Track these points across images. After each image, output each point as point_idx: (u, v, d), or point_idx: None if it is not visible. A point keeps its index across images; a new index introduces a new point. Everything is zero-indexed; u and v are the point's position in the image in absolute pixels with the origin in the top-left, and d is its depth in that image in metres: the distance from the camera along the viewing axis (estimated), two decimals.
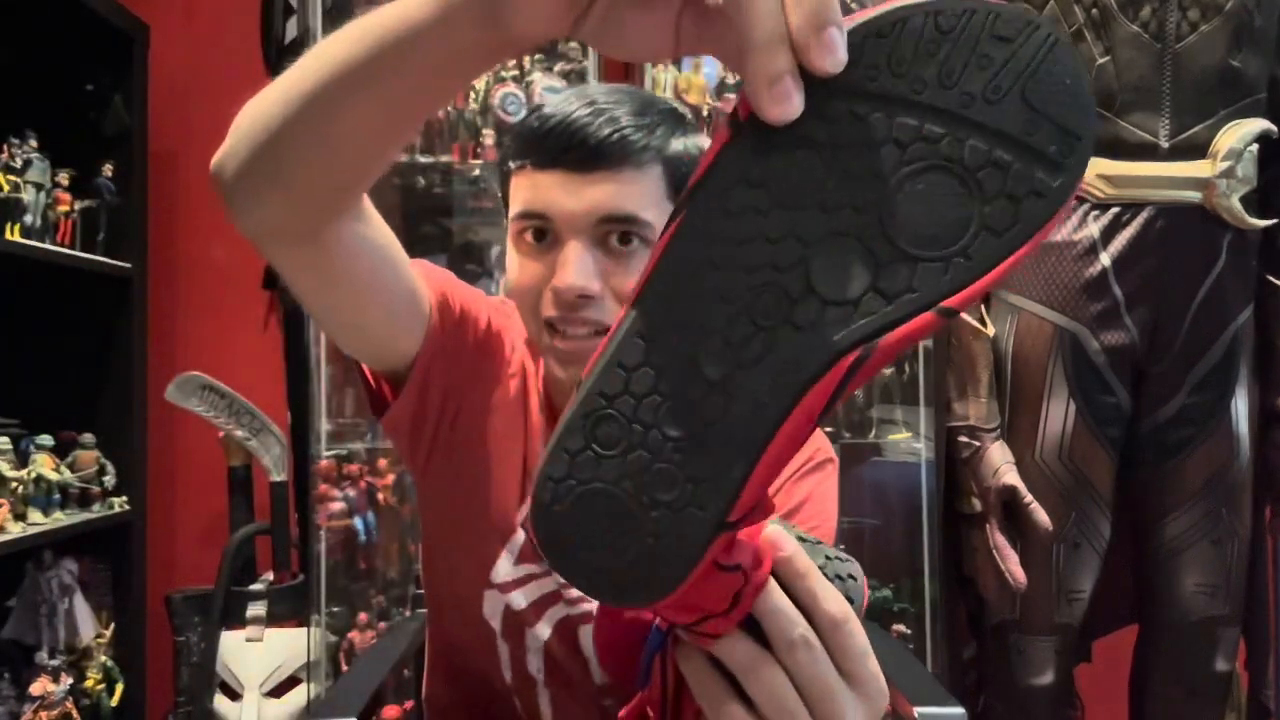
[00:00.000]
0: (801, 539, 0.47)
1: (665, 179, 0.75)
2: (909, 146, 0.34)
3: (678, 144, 0.76)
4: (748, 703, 0.44)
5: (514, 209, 0.78)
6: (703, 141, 0.77)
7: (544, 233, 0.76)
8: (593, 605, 0.86)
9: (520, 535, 0.87)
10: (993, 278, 0.35)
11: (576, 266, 0.74)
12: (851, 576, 0.48)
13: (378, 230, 0.69)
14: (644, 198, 0.74)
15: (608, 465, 0.37)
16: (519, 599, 0.87)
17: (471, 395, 0.86)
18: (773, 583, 0.43)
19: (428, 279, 0.80)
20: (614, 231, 0.75)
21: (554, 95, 0.83)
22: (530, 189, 0.76)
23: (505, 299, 0.96)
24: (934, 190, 0.35)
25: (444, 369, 0.83)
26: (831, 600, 0.44)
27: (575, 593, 0.86)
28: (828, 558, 0.47)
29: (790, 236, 0.35)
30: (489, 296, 0.91)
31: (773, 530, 0.44)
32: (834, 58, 0.35)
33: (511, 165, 0.78)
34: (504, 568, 0.87)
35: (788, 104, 0.35)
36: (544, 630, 0.87)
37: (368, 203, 0.67)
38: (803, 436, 0.37)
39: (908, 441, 1.82)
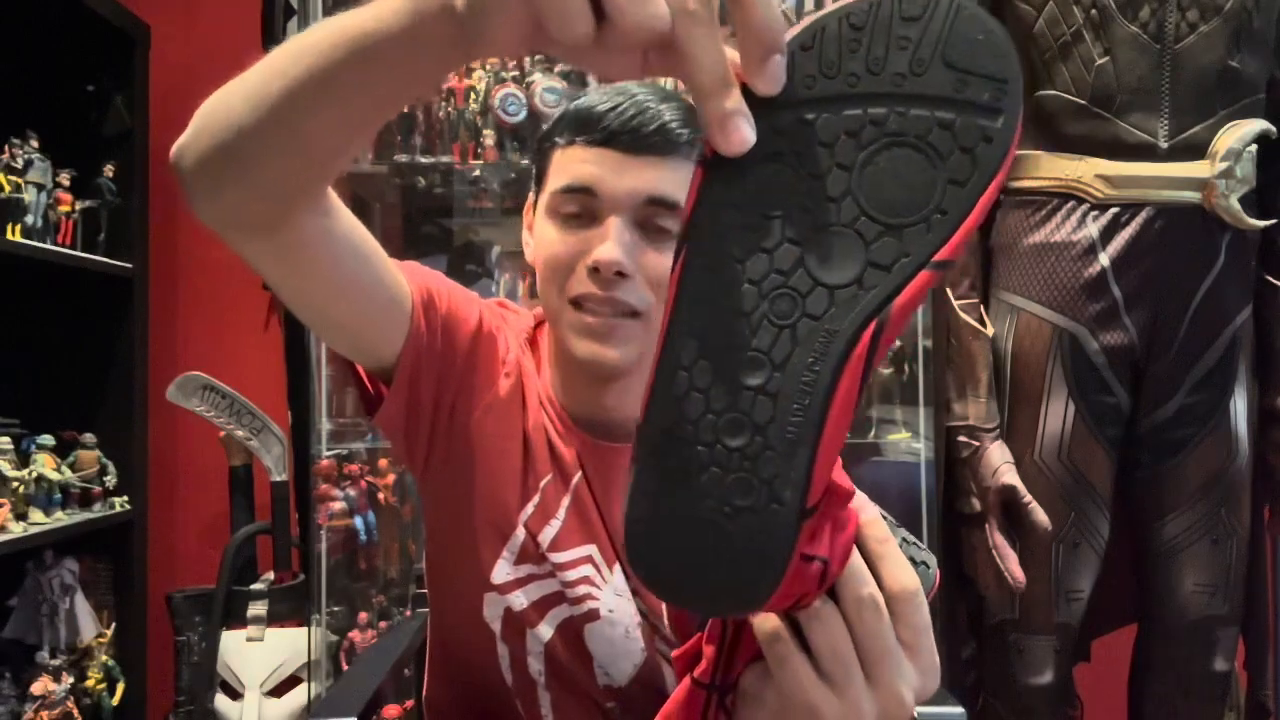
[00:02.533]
0: (885, 517, 0.50)
1: None
2: (860, 133, 0.38)
3: None
4: (806, 650, 0.46)
5: (556, 182, 0.80)
6: None
7: (584, 209, 0.79)
8: (597, 604, 0.86)
9: (519, 535, 0.87)
10: (970, 223, 0.39)
11: (618, 241, 0.76)
12: (925, 564, 0.50)
13: (344, 225, 0.70)
14: (684, 186, 0.76)
15: (685, 492, 0.40)
16: (519, 599, 0.87)
17: (465, 395, 0.86)
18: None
19: (411, 278, 0.81)
20: (654, 214, 0.77)
21: (604, 87, 0.86)
22: (579, 164, 0.78)
23: (502, 300, 0.97)
24: (895, 164, 0.38)
25: (433, 368, 0.83)
26: (904, 571, 0.47)
27: (578, 592, 0.86)
28: (905, 540, 0.50)
29: (784, 242, 0.39)
30: (483, 298, 0.91)
31: (859, 498, 0.48)
32: (776, 82, 0.39)
33: (559, 141, 0.81)
34: (503, 569, 0.87)
35: (741, 138, 0.38)
36: (546, 631, 0.87)
37: (334, 199, 0.68)
38: (851, 412, 0.40)
39: (907, 441, 1.82)
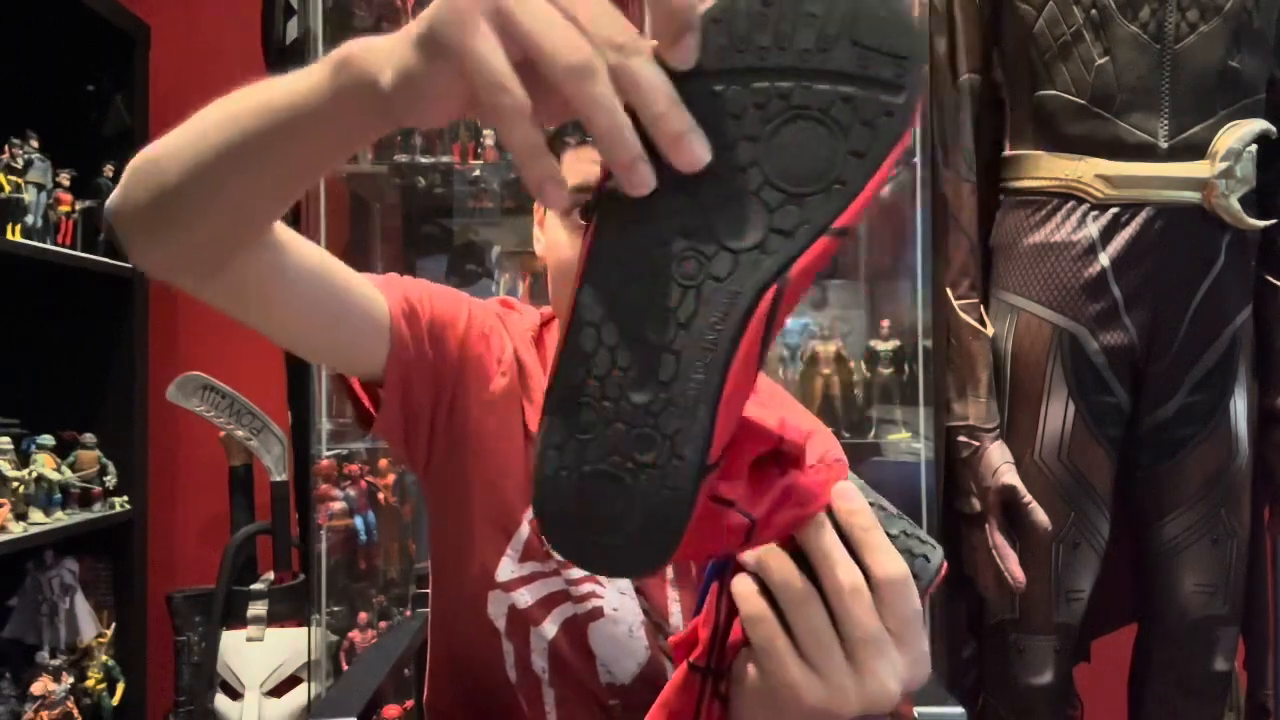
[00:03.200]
0: (883, 508, 0.51)
1: None
2: (767, 105, 0.40)
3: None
4: (790, 635, 0.48)
5: (567, 180, 0.79)
6: None
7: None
8: (601, 602, 0.87)
9: (523, 532, 0.87)
10: (868, 194, 0.41)
11: None
12: (925, 557, 0.50)
13: (297, 257, 0.69)
14: None
15: (592, 447, 0.41)
16: (523, 597, 0.87)
17: (461, 395, 0.87)
18: (829, 529, 0.48)
19: (389, 290, 0.81)
20: None
21: None
22: (589, 165, 0.79)
23: (507, 298, 0.97)
24: (800, 136, 0.40)
25: (424, 375, 0.83)
26: (890, 559, 0.47)
27: (583, 590, 0.87)
28: (905, 533, 0.50)
29: (693, 207, 0.40)
30: (483, 298, 0.91)
31: (844, 485, 0.49)
32: (689, 57, 0.40)
33: (569, 141, 0.81)
34: (508, 566, 0.88)
35: (641, 181, 0.40)
36: (550, 629, 0.87)
37: (283, 234, 0.68)
38: (754, 372, 0.42)
39: (907, 441, 1.82)
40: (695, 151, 0.40)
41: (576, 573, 0.87)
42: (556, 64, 0.39)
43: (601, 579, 0.87)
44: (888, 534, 0.49)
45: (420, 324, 0.83)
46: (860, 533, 0.48)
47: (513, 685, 0.89)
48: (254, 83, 0.57)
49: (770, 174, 0.40)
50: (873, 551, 0.47)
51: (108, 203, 0.63)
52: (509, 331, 0.91)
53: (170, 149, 0.58)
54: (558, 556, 0.84)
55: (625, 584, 0.88)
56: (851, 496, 0.48)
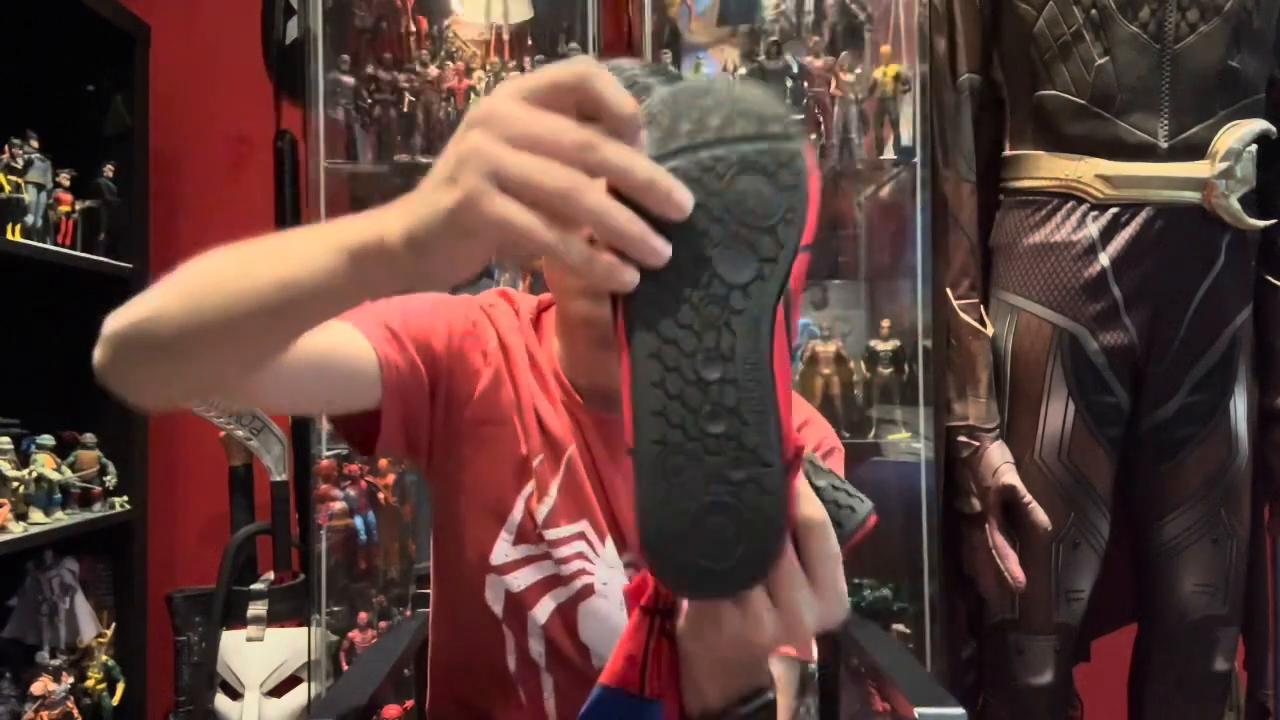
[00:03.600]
0: (814, 465, 0.57)
1: None
2: (714, 168, 0.48)
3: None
4: None
5: None
6: None
7: None
8: (591, 579, 0.89)
9: (517, 514, 0.90)
10: (812, 214, 0.50)
11: None
12: (850, 509, 0.57)
13: (292, 355, 0.67)
14: None
15: (693, 485, 0.47)
16: (518, 581, 0.89)
17: (454, 391, 0.90)
18: None
19: (370, 330, 0.83)
20: None
21: (573, 52, 0.93)
22: None
23: (504, 290, 1.00)
24: (746, 185, 0.48)
25: (418, 385, 0.87)
26: (810, 505, 0.52)
27: (572, 569, 0.89)
28: (833, 486, 0.57)
29: (696, 263, 0.48)
30: (454, 296, 0.95)
31: None
32: (681, 210, 0.47)
33: None
34: (503, 549, 0.90)
35: (657, 249, 0.47)
36: (543, 613, 0.89)
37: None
38: (788, 371, 0.50)
39: (907, 441, 1.82)
40: (685, 198, 0.47)
41: (565, 551, 0.89)
42: (553, 197, 0.46)
43: (590, 555, 0.90)
44: (815, 485, 0.55)
45: (406, 346, 0.86)
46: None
47: (512, 676, 0.91)
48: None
49: (740, 219, 0.48)
50: (795, 499, 0.52)
51: (97, 358, 0.66)
52: (493, 321, 0.94)
53: (164, 315, 0.60)
54: (548, 537, 0.88)
55: (613, 558, 0.90)
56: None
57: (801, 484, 0.52)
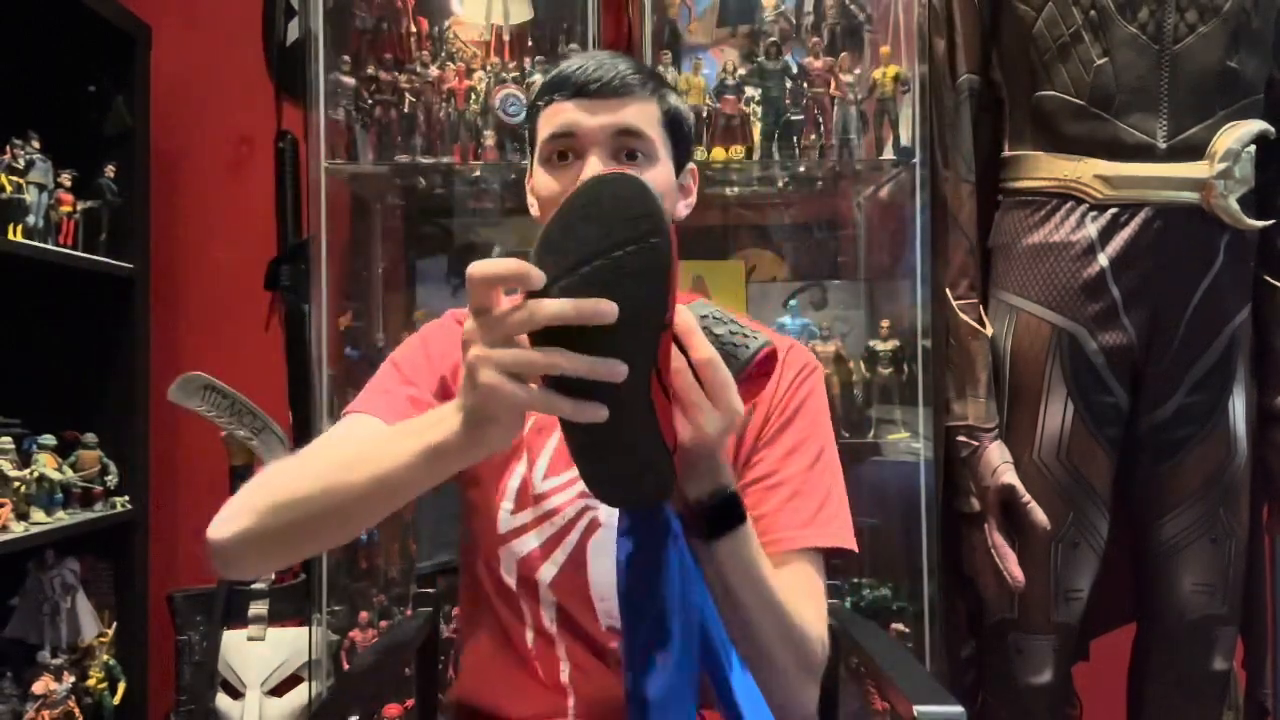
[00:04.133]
0: (717, 318, 0.78)
1: (661, 114, 0.96)
2: (599, 275, 0.62)
3: (672, 97, 0.99)
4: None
5: (544, 133, 0.95)
6: (684, 106, 1.01)
7: (568, 152, 0.94)
8: (596, 512, 0.97)
9: (514, 482, 0.99)
10: (673, 297, 0.66)
11: (598, 169, 0.91)
12: (745, 346, 0.77)
13: None
14: (646, 120, 0.94)
15: (611, 460, 0.72)
16: (524, 545, 0.97)
17: (451, 389, 0.99)
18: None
19: (383, 414, 0.93)
20: (624, 147, 0.93)
21: (575, 54, 1.12)
22: (559, 115, 0.94)
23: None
24: (625, 282, 0.62)
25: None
26: (701, 349, 0.74)
27: (575, 510, 0.98)
28: (730, 331, 0.77)
29: (609, 343, 0.63)
30: (428, 330, 1.06)
31: (684, 316, 0.74)
32: (541, 280, 0.64)
33: (541, 102, 0.97)
34: (505, 519, 0.98)
35: (615, 370, 0.64)
36: (550, 571, 0.96)
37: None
38: (664, 399, 0.71)
39: (906, 441, 1.82)
40: (610, 308, 0.62)
41: (563, 497, 0.98)
42: (520, 368, 0.65)
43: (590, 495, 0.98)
44: (715, 333, 0.76)
45: (410, 401, 0.96)
46: (684, 336, 0.73)
47: (531, 654, 0.97)
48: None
49: (625, 309, 0.62)
50: (690, 347, 0.73)
51: (211, 535, 0.88)
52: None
53: (294, 500, 0.81)
54: (545, 490, 0.99)
55: None
56: (682, 316, 0.73)
57: (698, 338, 0.73)
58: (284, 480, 0.82)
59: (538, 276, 0.63)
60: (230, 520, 0.84)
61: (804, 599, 0.89)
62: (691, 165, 1.03)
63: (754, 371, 0.77)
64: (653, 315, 0.64)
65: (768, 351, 0.77)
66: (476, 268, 0.63)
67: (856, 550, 0.97)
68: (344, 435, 0.91)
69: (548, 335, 0.63)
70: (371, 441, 0.80)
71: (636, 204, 0.62)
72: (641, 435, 0.68)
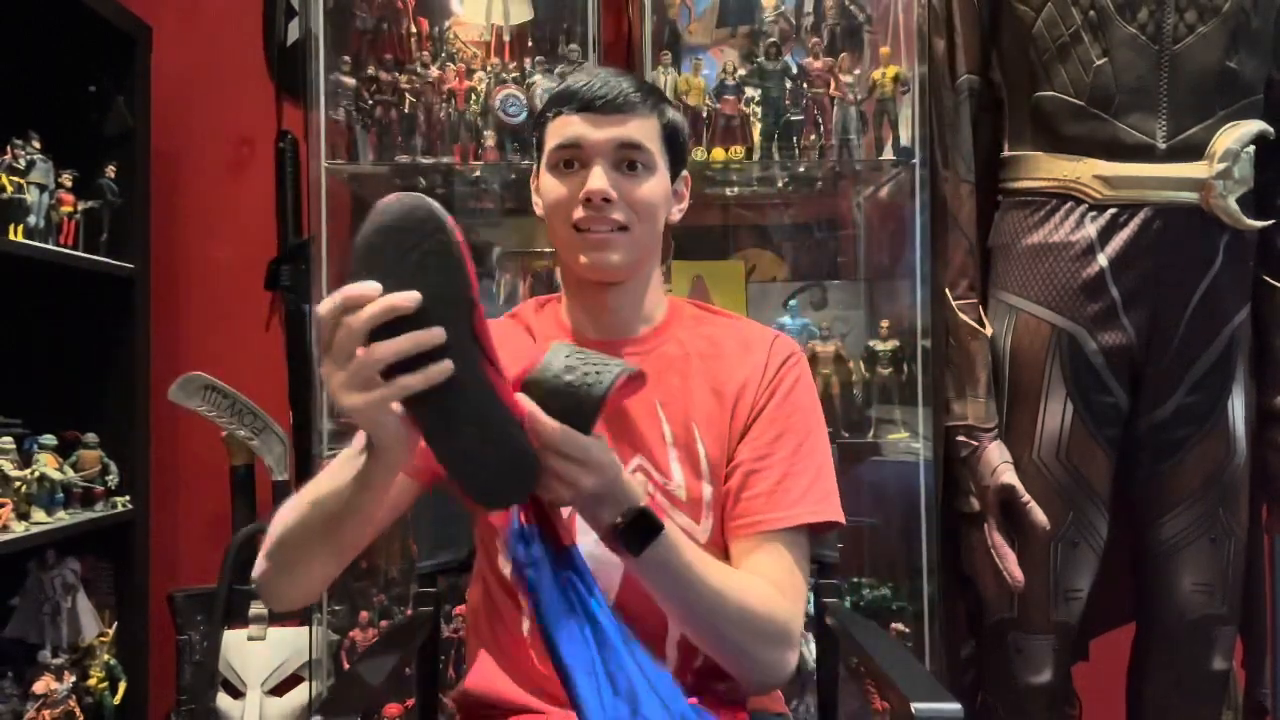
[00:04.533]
0: (569, 365, 0.82)
1: (660, 128, 1.03)
2: (411, 276, 0.71)
3: (670, 111, 1.06)
4: None
5: (552, 143, 1.03)
6: (681, 119, 1.09)
7: (574, 160, 1.01)
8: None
9: None
10: (473, 287, 0.73)
11: (601, 178, 1.00)
12: (599, 382, 0.81)
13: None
14: (646, 134, 1.02)
15: (475, 459, 0.78)
16: None
17: None
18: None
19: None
20: (626, 158, 1.01)
21: (579, 69, 1.19)
22: (567, 127, 1.01)
23: (513, 312, 1.16)
24: (430, 277, 0.71)
25: None
26: (545, 433, 0.79)
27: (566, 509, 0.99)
28: (584, 373, 0.81)
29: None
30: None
31: (521, 398, 0.80)
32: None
33: (550, 113, 1.04)
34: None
35: (444, 370, 0.73)
36: None
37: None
38: (500, 372, 0.78)
39: (906, 441, 1.82)
40: (410, 297, 0.71)
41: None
42: (365, 372, 0.74)
43: None
44: (566, 381, 0.80)
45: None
46: (531, 424, 0.79)
47: (527, 642, 1.01)
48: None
49: (429, 294, 0.70)
50: (538, 434, 0.79)
51: (253, 577, 0.97)
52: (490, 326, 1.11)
53: (288, 534, 0.92)
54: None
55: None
56: (530, 408, 0.79)
57: (542, 422, 0.78)
58: (280, 519, 0.92)
59: (373, 289, 0.71)
60: (257, 564, 0.95)
61: (759, 587, 0.95)
62: (685, 173, 1.11)
63: (617, 396, 0.83)
64: (456, 293, 0.71)
65: (625, 378, 0.82)
66: (321, 306, 0.72)
67: (844, 522, 1.03)
68: (330, 465, 0.96)
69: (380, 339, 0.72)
70: (327, 472, 0.90)
71: (420, 210, 0.71)
72: (486, 407, 0.74)
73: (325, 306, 0.73)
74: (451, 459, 0.75)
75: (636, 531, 0.85)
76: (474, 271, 0.72)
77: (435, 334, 0.71)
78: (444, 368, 0.71)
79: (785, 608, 0.95)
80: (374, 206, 0.73)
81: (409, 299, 0.70)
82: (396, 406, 0.74)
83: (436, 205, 0.72)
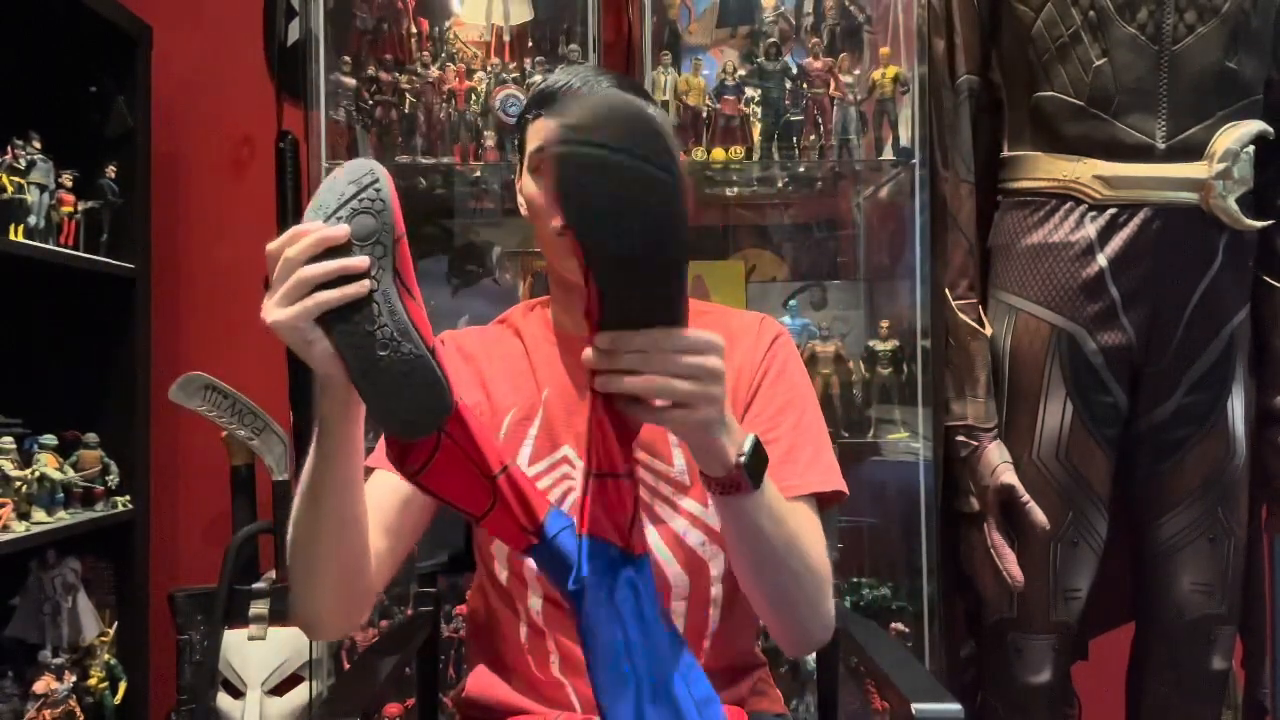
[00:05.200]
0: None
1: None
2: (345, 216, 0.78)
3: (651, 109, 1.00)
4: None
5: (532, 145, 1.04)
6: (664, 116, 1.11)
7: None
8: (576, 487, 0.99)
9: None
10: (398, 213, 0.79)
11: None
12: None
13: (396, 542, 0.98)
14: None
15: (390, 385, 0.78)
16: None
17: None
18: None
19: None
20: None
21: (560, 69, 1.18)
22: (545, 129, 0.98)
23: (503, 317, 1.17)
24: (361, 220, 0.78)
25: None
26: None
27: (560, 491, 1.01)
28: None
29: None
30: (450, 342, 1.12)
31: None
32: (344, 234, 0.77)
33: (529, 115, 1.05)
34: None
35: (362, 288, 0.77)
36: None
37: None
38: (416, 300, 0.80)
39: (906, 441, 1.82)
40: (340, 230, 0.77)
41: (548, 480, 1.02)
42: (291, 289, 0.76)
43: (573, 474, 1.02)
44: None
45: None
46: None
47: (524, 646, 1.01)
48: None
49: (359, 231, 0.78)
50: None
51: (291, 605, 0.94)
52: (477, 335, 1.14)
53: (292, 538, 0.90)
54: (540, 481, 1.02)
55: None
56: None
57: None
58: (289, 545, 0.91)
59: (313, 226, 0.77)
60: (290, 599, 0.94)
61: (812, 535, 0.94)
62: None
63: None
64: (381, 231, 0.79)
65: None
66: (271, 244, 0.77)
67: (847, 493, 1.03)
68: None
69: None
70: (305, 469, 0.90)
71: (361, 167, 0.79)
72: (400, 332, 0.78)
73: (272, 244, 0.78)
74: (367, 387, 0.78)
75: (756, 461, 0.81)
76: (400, 213, 0.79)
77: (359, 261, 0.76)
78: (360, 285, 0.76)
79: (828, 566, 0.94)
80: (339, 168, 0.82)
81: (339, 232, 0.77)
82: (325, 343, 0.77)
83: (376, 164, 0.80)
